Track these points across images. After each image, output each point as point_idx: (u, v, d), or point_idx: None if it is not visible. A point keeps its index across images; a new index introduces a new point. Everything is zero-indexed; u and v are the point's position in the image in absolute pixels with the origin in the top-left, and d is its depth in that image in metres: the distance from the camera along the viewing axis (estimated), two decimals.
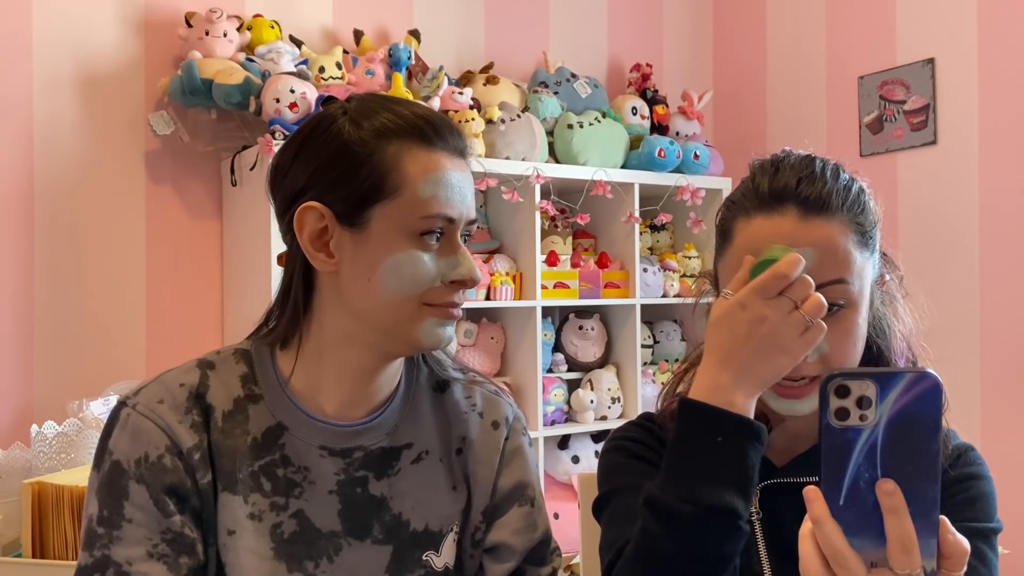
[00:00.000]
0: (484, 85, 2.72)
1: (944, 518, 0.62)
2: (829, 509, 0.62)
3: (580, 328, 2.83)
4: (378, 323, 0.90)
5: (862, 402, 0.61)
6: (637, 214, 2.79)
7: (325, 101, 0.97)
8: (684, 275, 2.98)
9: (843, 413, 0.61)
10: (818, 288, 0.88)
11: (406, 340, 0.91)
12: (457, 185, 0.91)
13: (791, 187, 0.91)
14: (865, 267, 0.91)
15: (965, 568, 0.62)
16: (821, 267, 0.87)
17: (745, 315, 0.83)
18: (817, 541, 0.63)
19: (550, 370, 2.78)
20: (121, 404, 0.91)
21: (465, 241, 0.94)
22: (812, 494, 0.63)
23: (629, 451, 1.02)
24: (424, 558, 0.95)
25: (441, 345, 0.94)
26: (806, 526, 0.64)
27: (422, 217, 0.88)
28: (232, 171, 2.40)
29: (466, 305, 2.87)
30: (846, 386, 0.61)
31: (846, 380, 0.61)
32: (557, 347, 2.84)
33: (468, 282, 0.92)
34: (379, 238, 0.88)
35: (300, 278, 0.93)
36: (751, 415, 0.84)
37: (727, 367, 0.84)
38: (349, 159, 0.89)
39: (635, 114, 2.92)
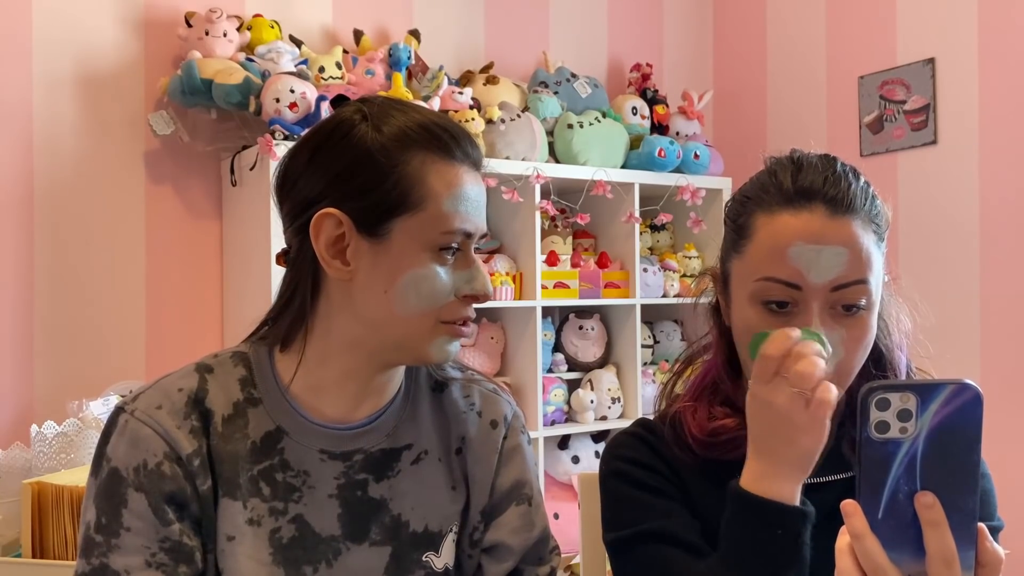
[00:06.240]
0: (484, 85, 2.71)
1: (983, 526, 0.61)
2: (868, 523, 0.62)
3: (580, 328, 2.83)
4: (389, 334, 0.90)
5: (903, 414, 0.60)
6: (637, 214, 2.79)
7: (336, 101, 0.95)
8: (684, 275, 2.98)
9: (883, 426, 0.60)
10: (842, 288, 0.88)
11: (415, 354, 0.91)
12: (475, 199, 0.91)
13: (818, 185, 0.90)
14: (879, 267, 0.92)
15: None
16: (848, 267, 0.88)
17: (757, 405, 0.84)
18: (856, 556, 0.62)
19: (550, 370, 2.78)
20: (119, 410, 0.90)
21: (476, 253, 0.94)
22: (851, 508, 0.62)
23: (636, 480, 1.00)
24: (424, 559, 0.95)
25: (449, 360, 0.94)
26: (843, 540, 0.64)
27: (443, 232, 0.88)
28: (232, 171, 2.40)
29: None
30: (887, 399, 0.60)
31: (887, 392, 0.60)
32: (557, 347, 2.84)
33: (481, 297, 0.92)
34: (399, 250, 0.87)
35: (309, 282, 0.91)
36: (798, 499, 0.84)
37: (761, 457, 0.85)
38: (373, 168, 0.87)
39: (635, 114, 2.92)
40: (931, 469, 0.60)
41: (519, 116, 2.61)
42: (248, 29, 2.44)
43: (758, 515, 0.84)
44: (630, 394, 2.84)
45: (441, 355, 0.92)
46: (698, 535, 0.95)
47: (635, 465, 1.01)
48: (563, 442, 2.80)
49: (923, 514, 0.60)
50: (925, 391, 0.60)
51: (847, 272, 0.87)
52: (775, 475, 0.83)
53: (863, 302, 0.89)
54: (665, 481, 0.99)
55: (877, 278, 0.91)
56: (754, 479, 0.85)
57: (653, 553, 0.94)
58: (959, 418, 0.59)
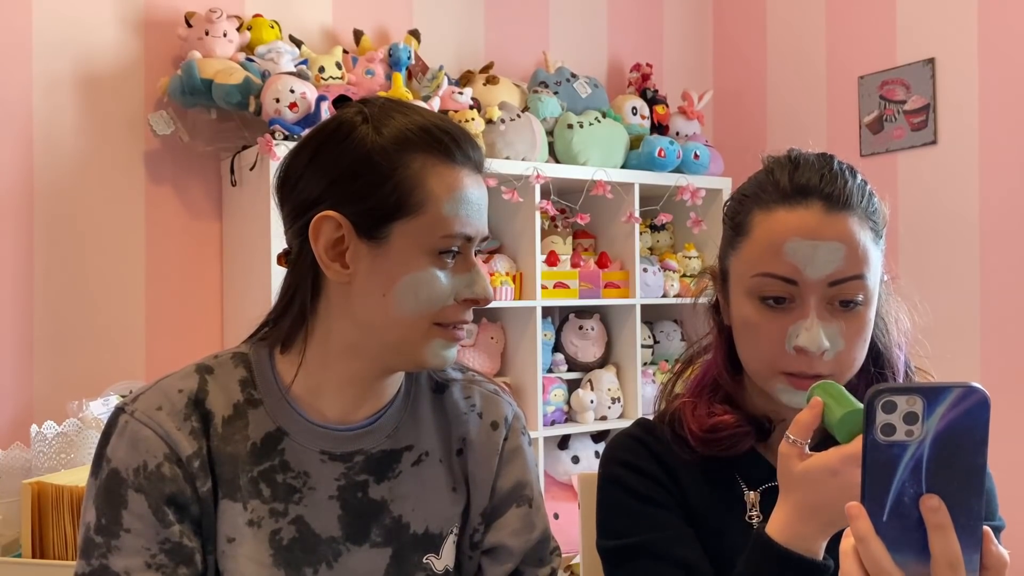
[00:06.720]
0: (484, 85, 2.71)
1: (988, 529, 0.61)
2: (872, 525, 0.61)
3: (580, 328, 2.83)
4: (385, 338, 0.89)
5: (909, 417, 0.60)
6: (637, 214, 2.79)
7: (338, 102, 0.94)
8: (684, 275, 2.98)
9: (889, 429, 0.60)
10: (839, 283, 0.88)
11: (411, 358, 0.91)
12: (476, 202, 0.90)
13: (814, 182, 0.91)
14: (877, 264, 0.92)
15: None
16: (845, 262, 0.88)
17: (837, 481, 0.78)
18: (860, 559, 0.62)
19: (550, 370, 2.78)
20: (119, 410, 0.89)
21: (476, 256, 0.93)
22: (855, 511, 0.62)
23: (631, 488, 0.99)
24: (424, 561, 0.95)
25: (446, 366, 0.94)
26: (848, 543, 0.64)
27: (443, 236, 0.87)
28: (232, 171, 2.40)
29: None
30: (893, 401, 0.60)
31: (893, 395, 0.60)
32: (557, 347, 2.84)
33: (481, 301, 0.91)
34: (399, 254, 0.87)
35: (308, 284, 0.91)
36: (822, 554, 0.82)
37: (810, 521, 0.80)
38: (372, 171, 0.86)
39: (635, 114, 2.92)
40: (937, 472, 0.60)
41: (519, 116, 2.61)
42: (248, 29, 2.44)
43: (789, 568, 0.80)
44: (630, 394, 2.83)
45: (437, 360, 0.91)
46: (692, 547, 0.94)
47: (631, 471, 1.00)
48: (563, 442, 2.80)
49: (928, 517, 0.60)
50: (932, 394, 0.60)
51: (844, 267, 0.88)
52: (815, 536, 0.80)
53: (860, 297, 0.89)
54: (659, 488, 0.98)
55: (874, 274, 0.91)
56: (792, 537, 0.81)
57: (640, 570, 0.94)
58: (966, 421, 0.59)
